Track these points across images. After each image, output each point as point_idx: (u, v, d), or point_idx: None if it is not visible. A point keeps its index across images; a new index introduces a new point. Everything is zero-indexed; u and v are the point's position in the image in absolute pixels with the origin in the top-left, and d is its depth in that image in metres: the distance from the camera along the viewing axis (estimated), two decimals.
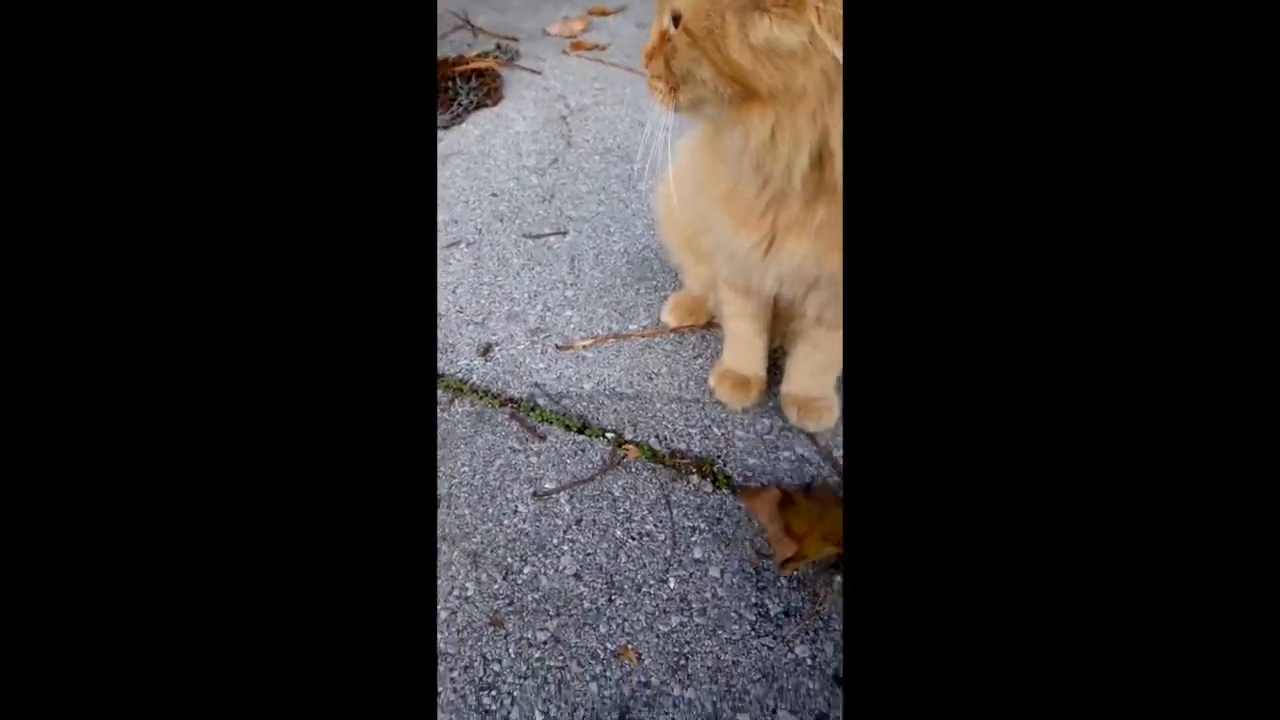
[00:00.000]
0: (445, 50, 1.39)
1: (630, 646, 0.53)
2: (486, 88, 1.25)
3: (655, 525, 0.60)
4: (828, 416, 0.67)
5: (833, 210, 0.48)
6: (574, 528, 0.60)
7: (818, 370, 0.67)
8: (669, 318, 0.79)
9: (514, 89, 1.28)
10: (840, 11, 0.37)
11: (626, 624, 0.54)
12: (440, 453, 0.66)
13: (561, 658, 0.52)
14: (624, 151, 1.11)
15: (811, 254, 0.51)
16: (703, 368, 0.75)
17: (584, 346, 0.77)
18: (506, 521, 0.61)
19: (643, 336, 0.78)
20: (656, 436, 0.68)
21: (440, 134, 1.15)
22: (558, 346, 0.77)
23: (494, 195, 1.01)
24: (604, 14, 1.60)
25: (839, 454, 0.66)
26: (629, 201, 1.00)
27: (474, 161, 1.08)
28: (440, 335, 0.79)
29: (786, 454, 0.66)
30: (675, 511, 0.61)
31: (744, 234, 0.53)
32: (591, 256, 0.90)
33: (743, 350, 0.69)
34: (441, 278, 0.87)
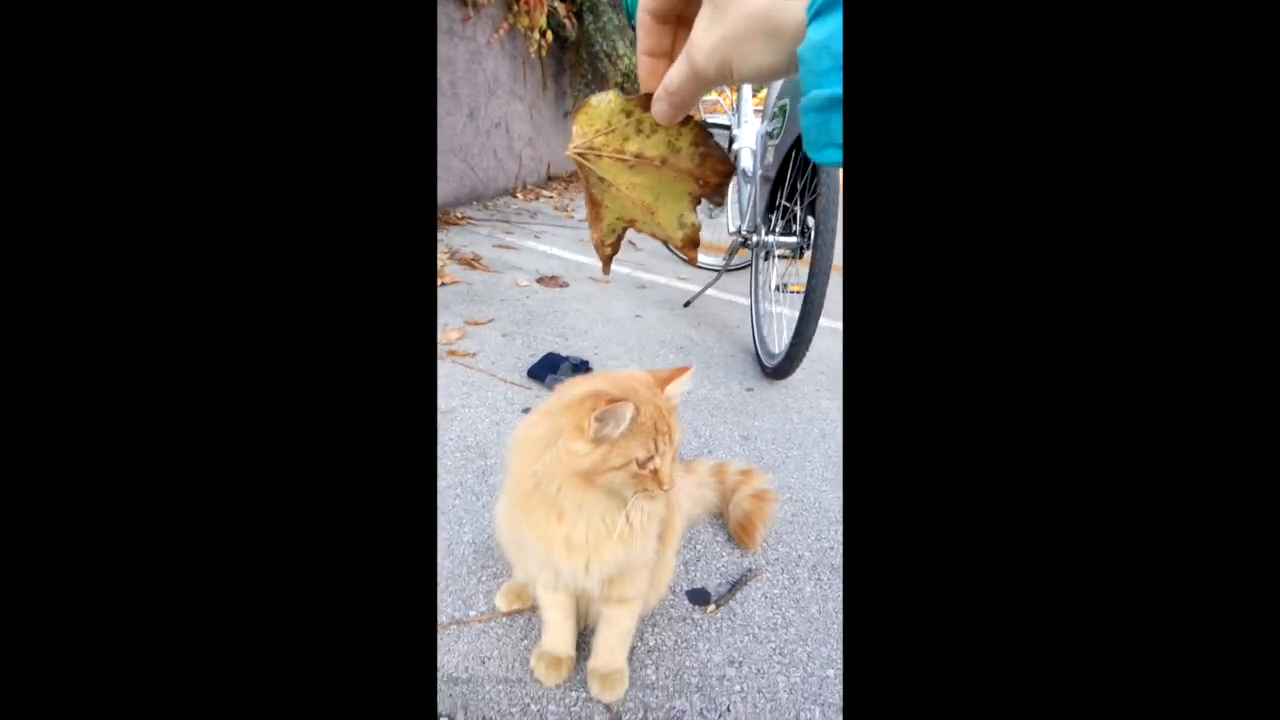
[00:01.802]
0: None
1: None
2: None
3: None
4: (620, 688, 0.87)
5: (635, 516, 0.74)
6: None
7: (615, 643, 0.88)
8: (500, 603, 0.99)
9: None
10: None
11: None
12: None
13: None
14: (481, 449, 1.39)
15: (624, 553, 0.76)
16: (526, 649, 0.93)
17: None
18: None
19: (479, 622, 0.96)
20: (483, 718, 0.83)
21: None
22: None
23: None
24: (477, 324, 2.03)
25: (626, 718, 0.84)
26: (481, 494, 1.25)
27: None
28: None
29: None
30: None
31: (568, 557, 0.76)
32: (444, 547, 1.10)
33: (556, 634, 0.89)
34: None
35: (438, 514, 1.17)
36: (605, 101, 0.38)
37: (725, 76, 0.33)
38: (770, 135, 2.02)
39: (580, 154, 0.39)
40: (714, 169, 0.40)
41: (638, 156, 0.39)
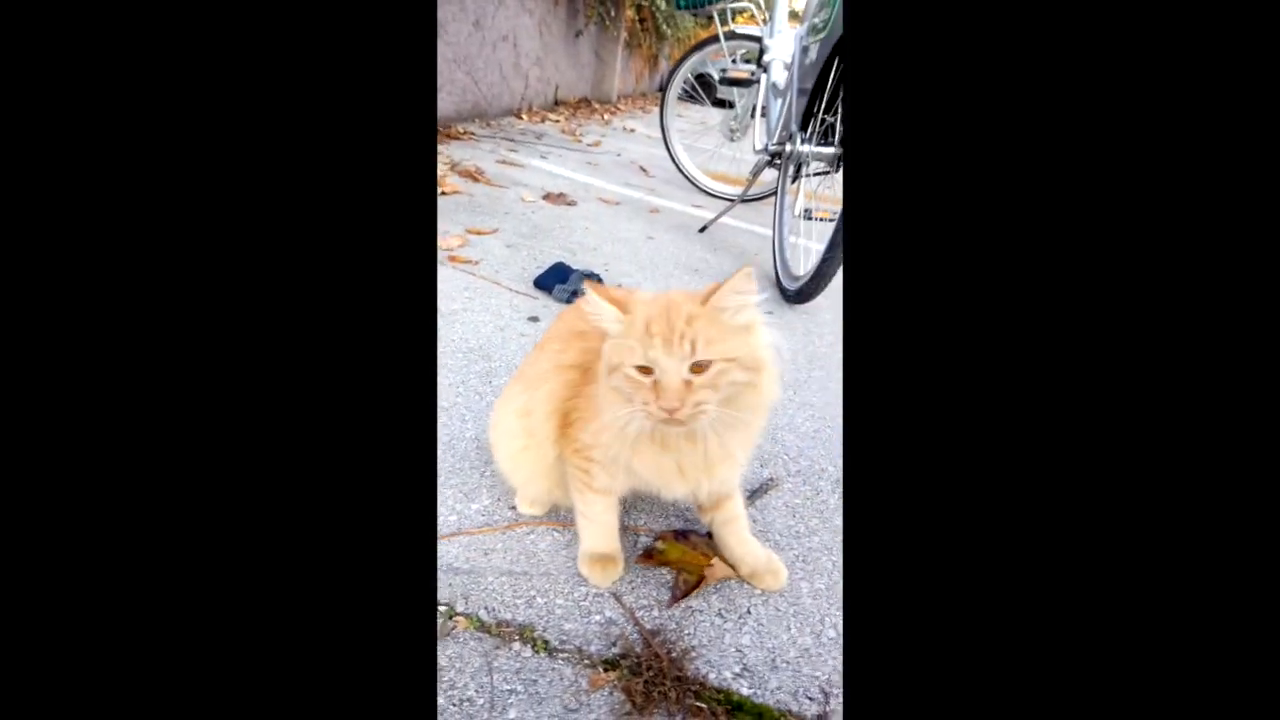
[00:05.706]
0: None
1: None
2: None
3: (476, 691, 0.67)
4: (783, 572, 0.86)
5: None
6: None
7: (747, 535, 0.87)
8: (524, 508, 0.92)
9: None
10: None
11: None
12: None
13: None
14: (484, 351, 1.31)
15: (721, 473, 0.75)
16: (533, 544, 0.87)
17: None
18: None
19: (495, 531, 0.90)
20: (485, 608, 0.77)
21: None
22: None
23: None
24: (480, 234, 1.91)
25: (640, 613, 0.78)
26: (484, 395, 1.17)
27: None
28: None
29: (597, 618, 0.78)
30: (495, 677, 0.69)
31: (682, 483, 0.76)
32: (445, 442, 1.03)
33: (599, 533, 0.83)
34: None
35: (442, 413, 1.10)
36: None
37: None
38: (814, 29, 1.85)
39: None
40: None
41: None
